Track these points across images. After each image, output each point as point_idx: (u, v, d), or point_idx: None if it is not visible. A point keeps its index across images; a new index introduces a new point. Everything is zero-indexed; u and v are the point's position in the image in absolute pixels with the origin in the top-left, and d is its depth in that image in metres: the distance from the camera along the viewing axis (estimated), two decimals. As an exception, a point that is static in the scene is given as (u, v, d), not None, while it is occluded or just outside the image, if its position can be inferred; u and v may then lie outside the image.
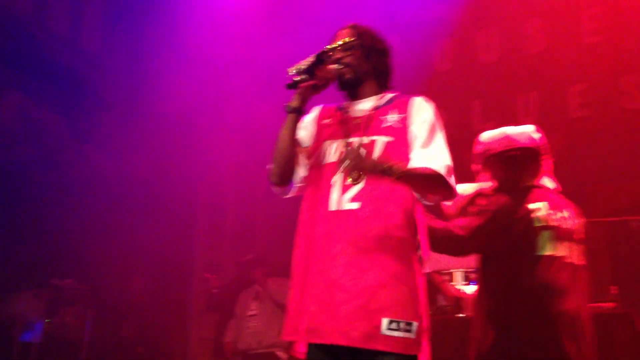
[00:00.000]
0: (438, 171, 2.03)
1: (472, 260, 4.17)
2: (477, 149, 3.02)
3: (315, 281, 2.00)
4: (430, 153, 2.06)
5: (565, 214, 2.76)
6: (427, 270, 4.81)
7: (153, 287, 6.42)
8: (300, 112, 2.14)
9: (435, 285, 4.85)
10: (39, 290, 5.33)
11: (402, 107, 2.15)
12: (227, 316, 5.76)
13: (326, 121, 2.26)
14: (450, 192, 2.09)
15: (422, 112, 2.13)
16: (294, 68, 2.12)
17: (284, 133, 2.13)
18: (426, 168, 2.03)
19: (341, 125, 2.19)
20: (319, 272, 2.00)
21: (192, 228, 7.49)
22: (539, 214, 2.63)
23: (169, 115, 6.70)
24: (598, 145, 5.85)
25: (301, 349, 2.09)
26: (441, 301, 4.69)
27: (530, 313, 2.57)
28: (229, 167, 7.43)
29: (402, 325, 1.91)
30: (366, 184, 2.03)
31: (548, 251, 2.60)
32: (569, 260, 2.66)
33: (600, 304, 3.94)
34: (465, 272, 4.19)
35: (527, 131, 2.91)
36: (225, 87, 7.32)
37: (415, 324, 1.95)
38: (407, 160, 2.06)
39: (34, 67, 5.86)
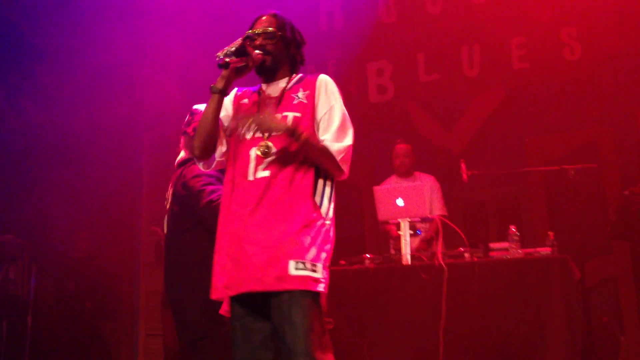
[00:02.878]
0: (332, 153, 2.30)
1: (418, 210, 4.31)
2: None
3: (229, 240, 2.27)
4: (331, 136, 2.33)
5: None
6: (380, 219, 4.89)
7: (99, 241, 6.31)
8: (224, 94, 2.38)
9: (385, 233, 4.97)
10: (-22, 247, 5.17)
11: (309, 85, 2.41)
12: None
13: (244, 101, 2.51)
14: (340, 173, 2.36)
15: (325, 91, 2.39)
16: (221, 52, 2.33)
17: (208, 112, 2.37)
18: (325, 147, 2.32)
19: (257, 104, 2.44)
20: (232, 232, 2.27)
21: (138, 181, 7.34)
22: None
23: (107, 66, 6.47)
24: (538, 97, 6.01)
25: (226, 307, 2.34)
26: (390, 249, 4.81)
27: None
28: (172, 118, 7.27)
29: (308, 265, 2.16)
30: (277, 155, 2.29)
31: None
32: None
33: (537, 249, 4.12)
34: (410, 222, 4.30)
35: None
36: (165, 38, 7.09)
37: (320, 265, 2.20)
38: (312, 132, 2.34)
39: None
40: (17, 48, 6.23)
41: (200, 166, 2.50)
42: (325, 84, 2.41)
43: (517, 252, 4.04)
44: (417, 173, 5.09)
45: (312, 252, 2.20)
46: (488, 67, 6.21)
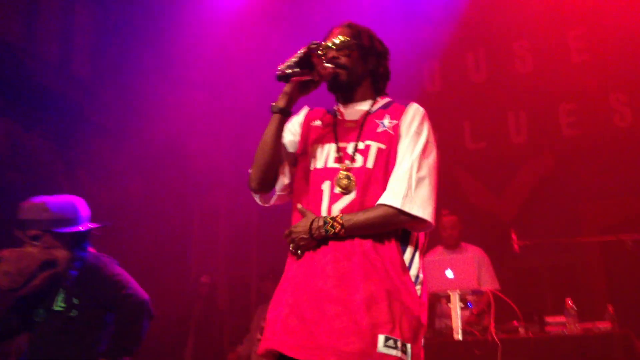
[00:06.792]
0: (391, 205, 1.86)
1: (468, 283, 4.19)
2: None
3: (300, 292, 1.86)
4: (395, 179, 1.91)
5: None
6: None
7: (152, 301, 6.35)
8: (286, 113, 1.98)
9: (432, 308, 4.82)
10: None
11: (397, 113, 1.99)
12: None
13: (315, 123, 2.10)
14: (420, 222, 1.89)
15: (412, 124, 1.97)
16: (283, 65, 1.93)
17: (267, 135, 1.97)
18: (376, 207, 1.88)
19: (332, 128, 2.02)
20: (305, 283, 1.86)
21: (188, 246, 7.45)
22: None
23: (159, 138, 6.68)
24: (590, 163, 5.88)
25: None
26: (439, 324, 4.67)
27: None
28: (222, 187, 7.43)
29: (399, 344, 1.75)
30: (357, 195, 1.89)
31: None
32: None
33: (596, 324, 3.92)
34: (461, 294, 4.17)
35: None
36: (216, 109, 7.32)
37: (409, 346, 1.78)
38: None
39: (24, 93, 5.82)
40: (76, 123, 6.49)
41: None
42: (414, 114, 1.97)
43: (575, 326, 3.85)
44: (463, 244, 4.96)
45: (405, 325, 1.78)
46: (535, 133, 6.16)
